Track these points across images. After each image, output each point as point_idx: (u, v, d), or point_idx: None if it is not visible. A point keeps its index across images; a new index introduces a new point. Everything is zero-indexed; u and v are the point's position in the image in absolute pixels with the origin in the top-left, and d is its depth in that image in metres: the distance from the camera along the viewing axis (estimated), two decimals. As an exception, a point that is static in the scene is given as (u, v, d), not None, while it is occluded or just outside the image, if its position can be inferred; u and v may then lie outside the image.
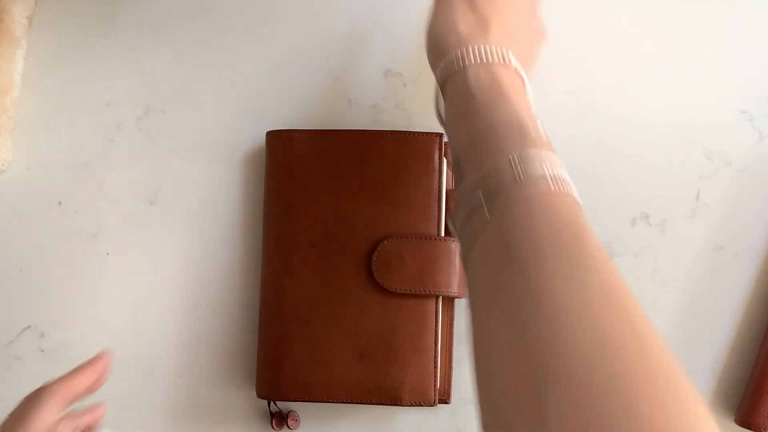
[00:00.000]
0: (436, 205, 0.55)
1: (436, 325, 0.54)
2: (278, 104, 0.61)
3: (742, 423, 0.55)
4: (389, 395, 0.54)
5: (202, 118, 0.61)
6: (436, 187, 0.55)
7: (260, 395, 0.56)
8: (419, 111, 0.61)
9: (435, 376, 0.54)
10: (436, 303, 0.54)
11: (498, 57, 0.44)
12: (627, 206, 0.59)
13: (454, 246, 0.55)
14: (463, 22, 0.45)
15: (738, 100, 0.60)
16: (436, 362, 0.54)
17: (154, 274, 0.59)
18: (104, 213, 0.60)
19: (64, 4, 0.63)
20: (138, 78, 0.62)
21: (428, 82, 0.61)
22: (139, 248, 0.60)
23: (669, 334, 0.58)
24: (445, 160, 0.56)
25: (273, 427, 0.57)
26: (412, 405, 0.54)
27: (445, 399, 0.56)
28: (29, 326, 0.59)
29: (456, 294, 0.55)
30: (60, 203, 0.61)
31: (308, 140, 0.56)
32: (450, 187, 0.57)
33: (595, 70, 0.61)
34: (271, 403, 0.57)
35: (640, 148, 0.60)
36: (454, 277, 0.55)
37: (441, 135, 0.55)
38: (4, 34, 0.60)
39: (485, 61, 0.43)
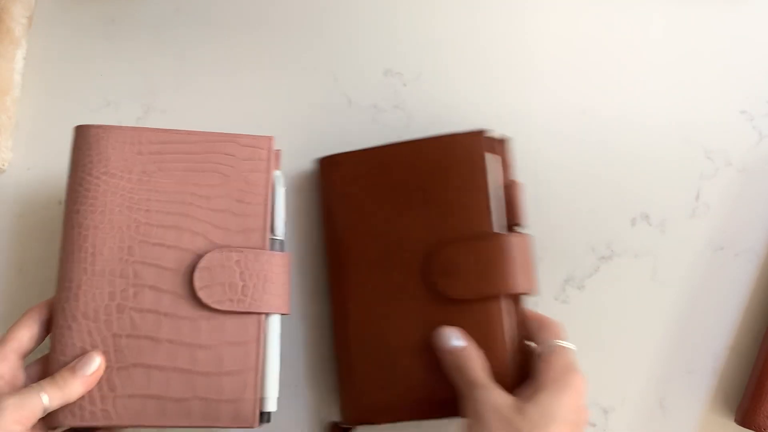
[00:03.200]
0: (486, 201, 0.52)
1: (508, 328, 0.51)
2: (278, 104, 0.61)
3: (742, 423, 0.55)
4: None
5: (202, 118, 0.61)
6: (483, 183, 0.53)
7: (346, 422, 0.55)
8: (419, 111, 0.61)
9: (509, 379, 0.50)
10: (503, 304, 0.51)
11: None
12: (627, 206, 0.59)
13: (514, 239, 0.52)
14: None
15: (738, 100, 0.60)
16: (512, 368, 0.51)
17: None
18: (104, 213, 0.60)
19: (64, 4, 0.63)
20: (138, 78, 0.62)
21: (428, 82, 0.61)
22: (139, 248, 0.60)
23: (669, 334, 0.58)
24: (491, 156, 0.53)
25: None
26: None
27: None
28: (29, 326, 0.59)
29: (524, 290, 0.52)
30: (60, 203, 0.60)
31: (354, 161, 0.55)
32: (505, 181, 0.54)
33: (595, 70, 0.61)
34: (345, 429, 0.56)
35: (640, 148, 0.60)
36: (519, 272, 0.51)
37: (483, 132, 0.54)
38: (4, 34, 0.60)
39: None
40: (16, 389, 0.47)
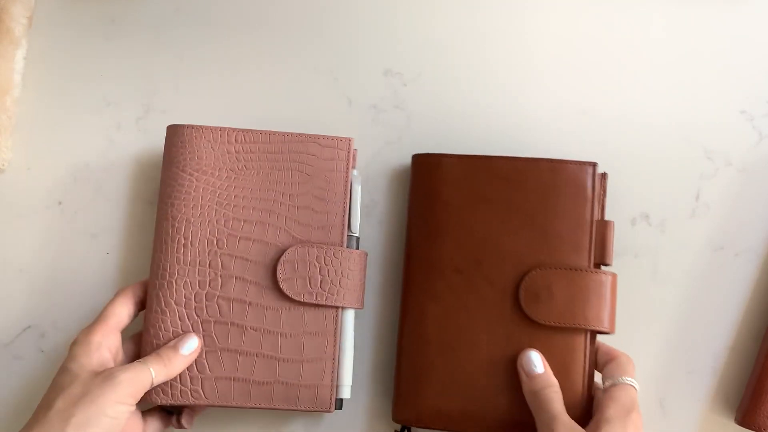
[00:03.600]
0: (588, 236, 0.53)
1: (585, 361, 0.52)
2: (278, 104, 0.61)
3: (742, 423, 0.55)
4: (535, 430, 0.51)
5: (202, 118, 0.61)
6: (587, 217, 0.53)
7: (397, 419, 0.55)
8: (419, 111, 0.61)
9: (580, 411, 0.51)
10: (585, 338, 0.52)
11: None
12: (627, 206, 0.59)
13: (606, 278, 0.53)
14: None
15: (738, 100, 0.60)
16: (583, 393, 0.52)
17: (154, 274, 0.59)
18: (104, 213, 0.60)
19: (64, 4, 0.63)
20: (138, 78, 0.62)
21: (428, 82, 0.61)
22: (139, 248, 0.60)
23: (669, 334, 0.58)
24: (596, 191, 0.54)
25: None
26: None
27: None
28: (29, 326, 0.59)
29: (606, 329, 0.52)
30: (60, 203, 0.61)
31: (457, 165, 0.55)
32: (598, 218, 0.55)
33: (596, 70, 0.61)
34: (405, 429, 0.55)
35: (640, 148, 0.60)
36: (605, 311, 0.52)
37: (595, 164, 0.54)
38: (4, 34, 0.60)
39: None
40: (120, 364, 0.51)
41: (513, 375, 0.52)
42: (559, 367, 0.52)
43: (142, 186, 0.61)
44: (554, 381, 0.51)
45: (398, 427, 0.56)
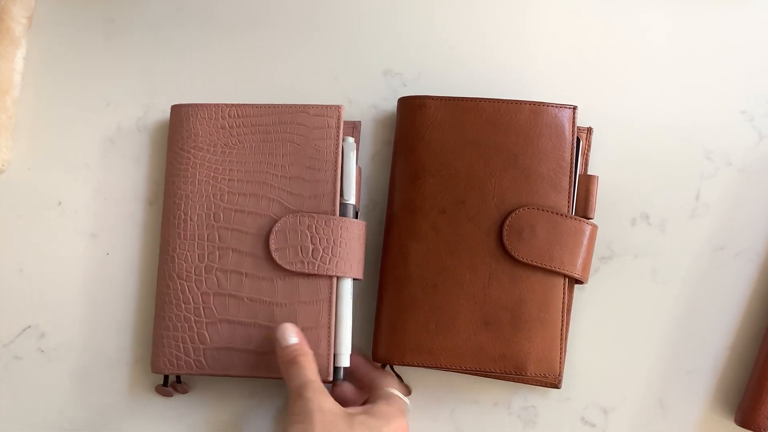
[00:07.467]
0: (568, 178, 0.55)
1: (563, 306, 0.54)
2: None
3: (742, 423, 0.55)
4: (514, 365, 0.53)
5: (202, 118, 0.61)
6: (568, 160, 0.55)
7: (377, 358, 0.56)
8: (419, 111, 0.61)
9: (561, 349, 0.54)
10: (564, 283, 0.54)
11: None
12: (627, 206, 0.59)
13: (586, 227, 0.55)
14: None
15: (738, 100, 0.60)
16: (562, 335, 0.54)
17: (153, 274, 0.59)
18: (104, 213, 0.60)
19: (64, 4, 0.63)
20: (138, 78, 0.62)
21: (428, 81, 0.61)
22: (139, 248, 0.60)
23: (669, 334, 0.58)
24: (577, 136, 0.55)
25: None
26: (536, 376, 0.53)
27: (556, 384, 0.55)
28: (29, 326, 0.59)
29: (579, 276, 0.54)
30: (60, 203, 0.61)
31: (441, 107, 0.56)
32: (582, 172, 0.56)
33: (596, 71, 0.61)
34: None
35: (640, 148, 0.60)
36: (580, 258, 0.54)
37: (575, 108, 0.56)
38: (4, 34, 0.60)
39: None
40: None
41: (495, 311, 0.54)
42: (540, 305, 0.54)
43: (142, 186, 0.61)
44: (308, 350, 0.52)
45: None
